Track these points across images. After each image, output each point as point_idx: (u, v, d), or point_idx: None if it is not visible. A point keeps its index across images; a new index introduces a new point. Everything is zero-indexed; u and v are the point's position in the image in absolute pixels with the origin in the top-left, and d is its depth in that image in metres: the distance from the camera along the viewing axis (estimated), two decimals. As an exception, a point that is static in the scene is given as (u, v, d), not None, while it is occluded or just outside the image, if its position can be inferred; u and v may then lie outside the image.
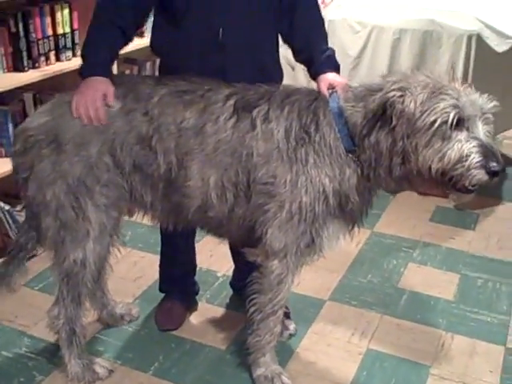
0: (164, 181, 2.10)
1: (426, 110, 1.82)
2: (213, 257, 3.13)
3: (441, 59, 3.57)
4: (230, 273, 2.94)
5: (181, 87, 2.10)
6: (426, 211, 3.76)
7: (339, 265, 3.15)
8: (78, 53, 3.24)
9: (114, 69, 3.14)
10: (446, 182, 1.88)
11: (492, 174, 1.82)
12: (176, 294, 2.71)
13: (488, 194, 3.84)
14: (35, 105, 3.05)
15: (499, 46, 3.58)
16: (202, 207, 2.12)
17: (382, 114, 1.88)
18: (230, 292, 2.89)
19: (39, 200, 2.10)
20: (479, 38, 3.50)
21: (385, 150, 1.91)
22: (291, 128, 2.00)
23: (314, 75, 2.19)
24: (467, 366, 2.51)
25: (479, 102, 1.87)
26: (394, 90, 1.87)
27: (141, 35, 3.42)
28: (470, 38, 3.48)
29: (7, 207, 2.97)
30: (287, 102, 2.04)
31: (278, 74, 2.37)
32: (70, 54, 3.20)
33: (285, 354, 2.49)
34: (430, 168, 1.86)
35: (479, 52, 3.51)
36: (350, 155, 1.99)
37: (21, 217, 3.02)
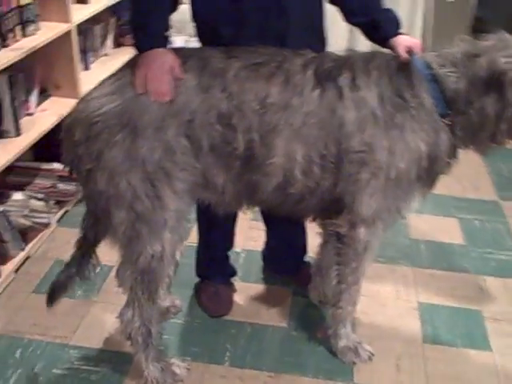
0: (241, 160, 1.94)
1: None
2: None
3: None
4: (249, 247, 2.88)
5: (253, 59, 1.92)
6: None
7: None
8: (41, 24, 2.88)
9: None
10: None
11: None
12: (219, 278, 2.57)
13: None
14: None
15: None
16: (282, 185, 1.98)
17: (492, 81, 1.85)
18: (258, 266, 2.79)
19: (110, 192, 1.86)
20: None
21: (492, 116, 1.90)
22: (385, 94, 1.92)
23: (384, 39, 2.07)
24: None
25: None
26: (503, 56, 1.84)
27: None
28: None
29: (1, 208, 2.58)
30: (373, 68, 1.94)
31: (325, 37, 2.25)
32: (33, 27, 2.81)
33: (347, 321, 2.46)
34: None
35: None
36: (444, 120, 1.96)
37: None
